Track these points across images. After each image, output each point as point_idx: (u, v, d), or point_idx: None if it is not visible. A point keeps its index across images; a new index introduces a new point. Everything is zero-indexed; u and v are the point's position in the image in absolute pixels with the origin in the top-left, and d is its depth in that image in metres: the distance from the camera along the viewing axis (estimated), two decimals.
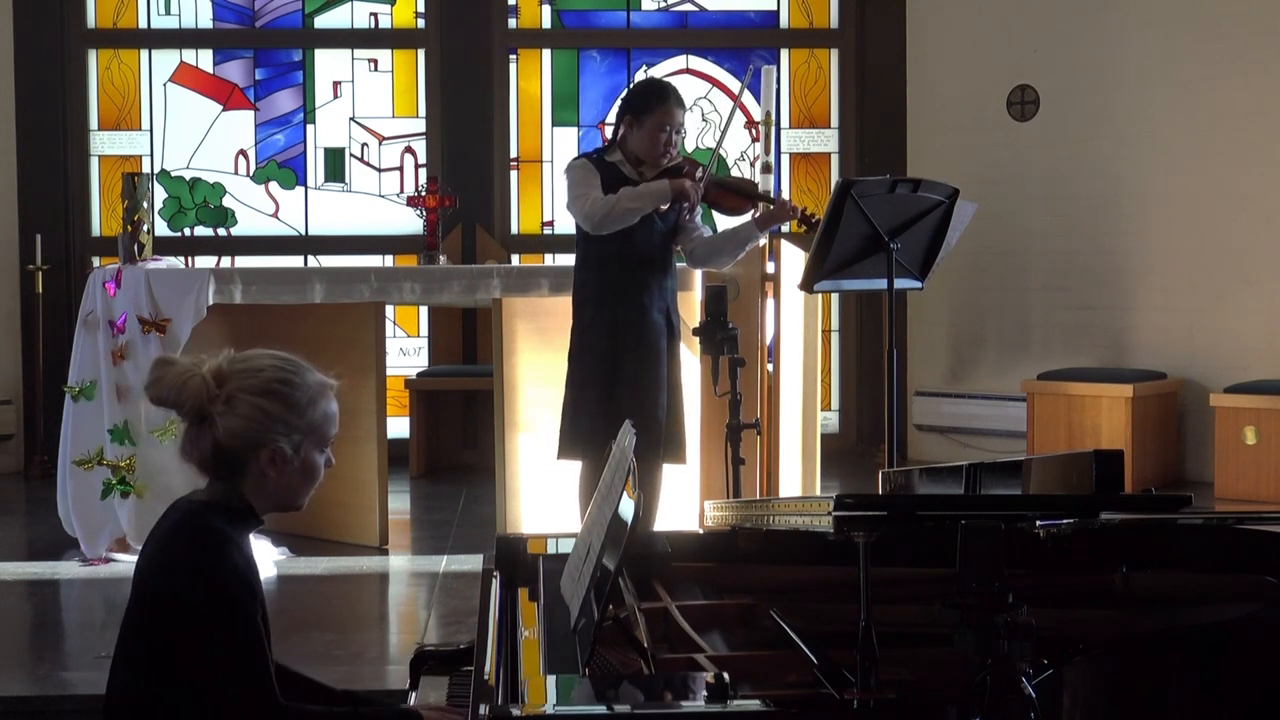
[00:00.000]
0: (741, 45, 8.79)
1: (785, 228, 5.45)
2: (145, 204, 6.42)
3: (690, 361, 5.88)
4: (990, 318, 8.46)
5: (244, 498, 2.58)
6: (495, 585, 2.78)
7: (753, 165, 8.47)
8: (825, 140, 8.84)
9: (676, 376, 5.17)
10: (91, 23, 8.64)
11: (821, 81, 8.83)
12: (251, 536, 2.62)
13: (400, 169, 8.76)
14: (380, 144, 8.76)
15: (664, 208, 5.09)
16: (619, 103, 5.20)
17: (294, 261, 8.65)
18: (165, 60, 8.69)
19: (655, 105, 5.06)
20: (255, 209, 8.73)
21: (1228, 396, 7.29)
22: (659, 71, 8.72)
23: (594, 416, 5.02)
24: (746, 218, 5.31)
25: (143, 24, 8.68)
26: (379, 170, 8.76)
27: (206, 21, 8.70)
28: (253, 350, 2.61)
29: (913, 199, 5.13)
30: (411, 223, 8.32)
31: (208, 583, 2.47)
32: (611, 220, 4.97)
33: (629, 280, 4.99)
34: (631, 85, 5.34)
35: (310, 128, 8.73)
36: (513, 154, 8.73)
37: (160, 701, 2.50)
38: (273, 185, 8.73)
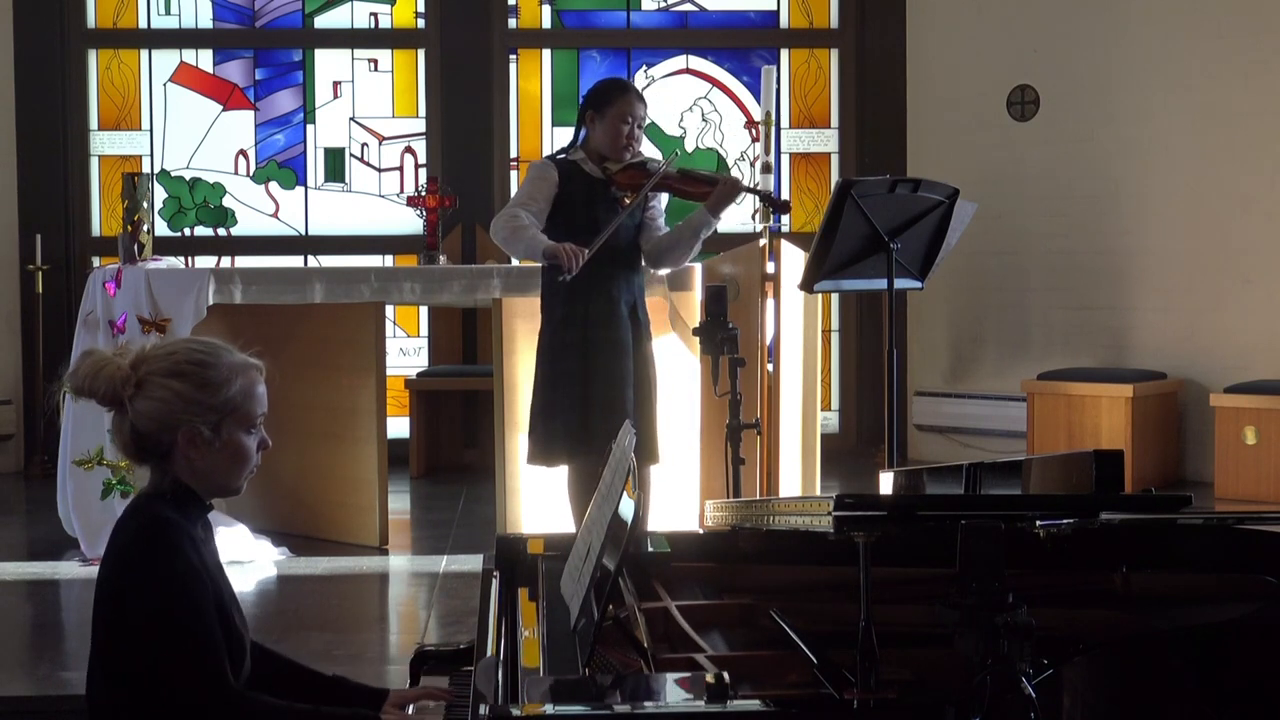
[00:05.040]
0: (741, 45, 8.79)
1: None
2: (145, 204, 6.41)
3: (690, 361, 5.88)
4: (990, 318, 8.45)
5: (180, 482, 2.58)
6: (495, 585, 2.78)
7: (753, 165, 8.48)
8: (825, 140, 8.84)
9: (644, 372, 5.14)
10: (91, 23, 8.64)
11: (821, 81, 8.83)
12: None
13: (400, 169, 8.76)
14: (380, 144, 8.75)
15: (626, 200, 5.10)
16: (580, 102, 5.22)
17: (294, 261, 8.65)
18: (165, 60, 8.69)
19: (616, 98, 5.12)
20: (255, 209, 8.73)
21: (1228, 396, 7.28)
22: (659, 71, 8.72)
23: (569, 415, 5.02)
24: None
25: (143, 24, 8.67)
26: (379, 170, 8.76)
27: (206, 21, 8.70)
28: (175, 337, 2.63)
29: (913, 199, 5.14)
30: (411, 223, 8.31)
31: (150, 570, 2.48)
32: (500, 240, 5.08)
33: (599, 274, 4.99)
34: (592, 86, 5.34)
35: (310, 128, 8.73)
36: (513, 154, 8.73)
37: (133, 696, 2.50)
38: (273, 185, 8.72)
